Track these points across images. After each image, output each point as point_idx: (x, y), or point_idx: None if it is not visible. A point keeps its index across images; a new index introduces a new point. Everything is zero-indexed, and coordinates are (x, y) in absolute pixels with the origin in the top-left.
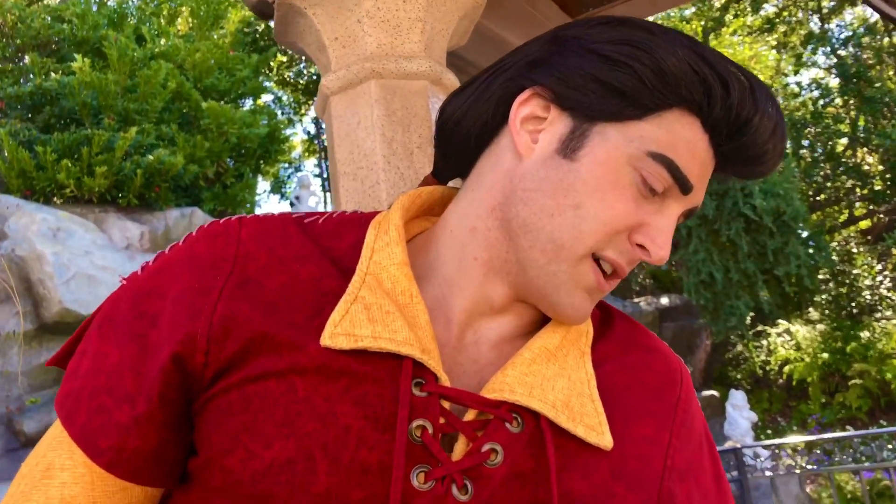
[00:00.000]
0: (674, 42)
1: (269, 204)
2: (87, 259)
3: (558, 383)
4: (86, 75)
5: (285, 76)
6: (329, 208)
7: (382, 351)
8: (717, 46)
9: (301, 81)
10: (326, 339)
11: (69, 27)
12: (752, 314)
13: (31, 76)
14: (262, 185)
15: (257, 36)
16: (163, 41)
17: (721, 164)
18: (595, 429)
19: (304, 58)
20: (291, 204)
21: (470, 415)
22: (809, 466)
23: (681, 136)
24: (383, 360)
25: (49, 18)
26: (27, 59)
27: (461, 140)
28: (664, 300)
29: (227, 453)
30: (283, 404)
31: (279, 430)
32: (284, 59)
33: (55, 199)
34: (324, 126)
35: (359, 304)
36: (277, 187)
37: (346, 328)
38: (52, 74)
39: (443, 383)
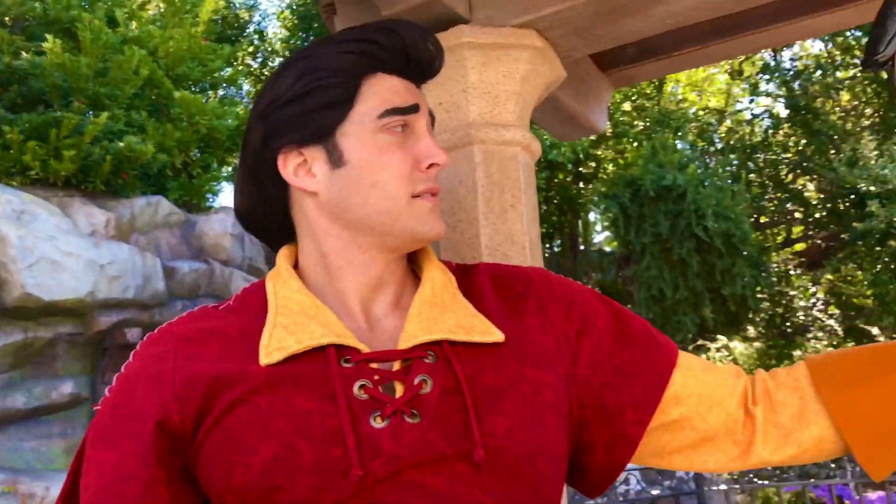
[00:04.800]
0: (326, 46)
1: (226, 194)
2: (52, 244)
3: (445, 317)
4: (57, 56)
5: (250, 67)
6: None
7: (308, 349)
8: None
9: (265, 72)
10: (263, 359)
11: (41, 6)
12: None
13: (0, 54)
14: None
15: (226, 25)
16: (134, 25)
17: (418, 79)
18: (486, 332)
19: (271, 48)
20: None
21: (396, 366)
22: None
23: (380, 91)
24: (313, 357)
25: None
26: None
27: (271, 223)
28: None
29: (229, 476)
30: (255, 418)
31: (259, 438)
32: (250, 48)
33: (18, 180)
34: None
35: (279, 327)
36: (234, 177)
37: (275, 346)
38: (23, 54)
39: (364, 353)
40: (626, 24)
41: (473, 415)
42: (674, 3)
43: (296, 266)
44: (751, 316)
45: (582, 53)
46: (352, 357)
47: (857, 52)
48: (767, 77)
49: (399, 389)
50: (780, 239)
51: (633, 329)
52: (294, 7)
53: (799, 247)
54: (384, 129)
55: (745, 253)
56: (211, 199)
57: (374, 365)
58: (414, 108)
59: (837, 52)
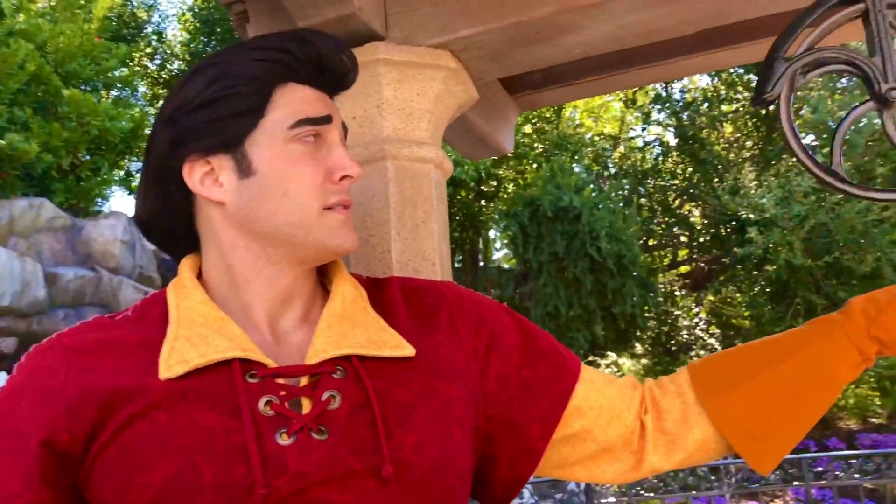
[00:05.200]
0: (238, 53)
1: (117, 199)
2: None
3: (355, 331)
4: None
5: (147, 68)
6: None
7: (212, 363)
8: None
9: (163, 75)
10: (164, 372)
11: None
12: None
13: None
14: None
15: (122, 24)
16: (21, 17)
17: (331, 91)
18: (397, 347)
19: (170, 51)
20: None
21: (304, 381)
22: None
23: (292, 100)
24: (217, 371)
25: None
26: None
27: (175, 230)
28: None
29: (123, 495)
30: (154, 434)
31: (158, 454)
32: (148, 49)
33: None
34: None
35: (181, 339)
36: (126, 182)
37: (176, 359)
38: None
39: (270, 368)
40: (537, 50)
41: (383, 430)
42: (583, 34)
43: (199, 277)
44: (639, 334)
45: (493, 77)
46: (258, 372)
47: (740, 88)
48: (659, 107)
49: (306, 405)
50: (666, 261)
51: (540, 345)
52: (196, 10)
53: (684, 269)
54: (296, 139)
55: (634, 273)
56: (101, 204)
57: (280, 380)
58: (326, 119)
59: (722, 87)
